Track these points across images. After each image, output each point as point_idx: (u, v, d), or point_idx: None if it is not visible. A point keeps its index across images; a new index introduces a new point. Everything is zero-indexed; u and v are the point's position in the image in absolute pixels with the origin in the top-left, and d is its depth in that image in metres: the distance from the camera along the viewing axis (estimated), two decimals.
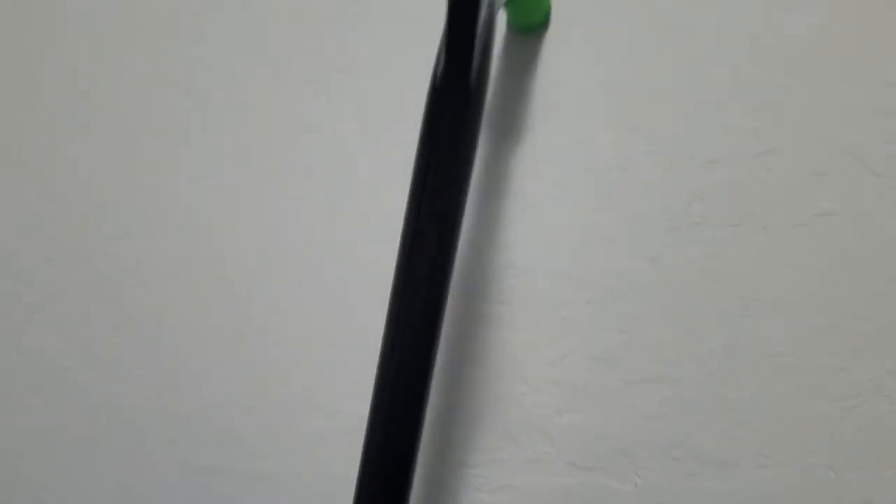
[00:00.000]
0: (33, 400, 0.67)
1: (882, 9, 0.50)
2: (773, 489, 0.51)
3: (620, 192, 0.54)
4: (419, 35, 0.57)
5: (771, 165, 0.51)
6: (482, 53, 0.38)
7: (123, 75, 0.65)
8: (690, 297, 0.52)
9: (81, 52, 0.66)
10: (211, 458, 0.62)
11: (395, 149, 0.58)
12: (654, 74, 0.53)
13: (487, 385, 0.56)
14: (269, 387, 0.61)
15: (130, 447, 0.64)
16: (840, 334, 0.50)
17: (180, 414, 0.62)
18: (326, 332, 0.59)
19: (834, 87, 0.50)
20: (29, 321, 0.67)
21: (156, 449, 0.63)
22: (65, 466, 0.66)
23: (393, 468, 0.43)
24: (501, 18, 0.55)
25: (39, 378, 0.66)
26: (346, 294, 0.59)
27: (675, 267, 0.53)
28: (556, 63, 0.55)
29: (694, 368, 0.52)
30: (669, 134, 0.53)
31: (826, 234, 0.50)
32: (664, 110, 0.53)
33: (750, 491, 0.51)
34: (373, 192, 0.58)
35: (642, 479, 0.53)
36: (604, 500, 0.54)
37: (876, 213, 0.50)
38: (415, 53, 0.56)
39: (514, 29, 0.55)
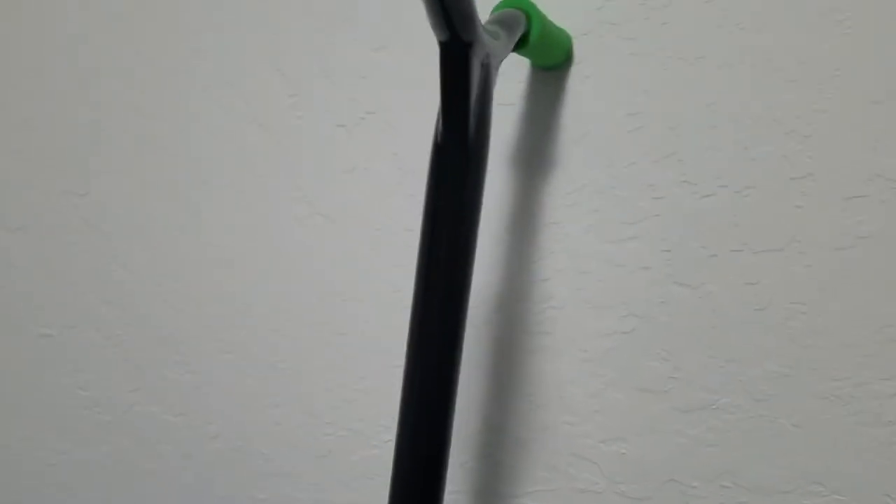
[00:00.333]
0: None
1: None
2: None
3: (654, 221, 0.53)
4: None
5: (806, 190, 0.50)
6: (479, 110, 0.40)
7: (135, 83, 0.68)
8: (733, 323, 0.52)
9: (100, 55, 0.69)
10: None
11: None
12: (681, 104, 0.52)
13: (533, 415, 0.57)
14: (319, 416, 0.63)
15: (191, 480, 0.68)
16: (890, 358, 0.48)
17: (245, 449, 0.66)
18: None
19: (863, 109, 0.49)
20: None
21: (223, 483, 0.67)
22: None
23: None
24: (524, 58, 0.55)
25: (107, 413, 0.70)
26: None
27: (716, 294, 0.52)
28: (583, 95, 0.55)
29: (741, 396, 0.52)
30: (700, 162, 0.52)
31: (868, 257, 0.49)
32: (693, 140, 0.52)
33: None
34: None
35: None
36: None
37: None
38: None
39: (539, 66, 0.55)
